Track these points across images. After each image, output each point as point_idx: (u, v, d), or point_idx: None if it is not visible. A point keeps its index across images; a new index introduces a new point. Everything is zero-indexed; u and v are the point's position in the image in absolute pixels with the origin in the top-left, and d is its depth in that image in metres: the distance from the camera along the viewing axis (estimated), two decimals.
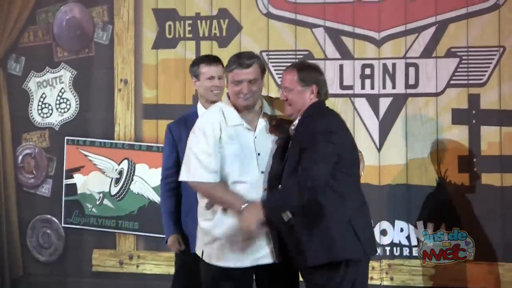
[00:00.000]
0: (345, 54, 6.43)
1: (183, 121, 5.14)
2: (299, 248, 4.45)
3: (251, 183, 4.57)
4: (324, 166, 4.38)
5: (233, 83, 4.59)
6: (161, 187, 5.23)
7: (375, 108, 6.37)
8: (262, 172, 4.60)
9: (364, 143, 6.35)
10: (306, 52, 6.47)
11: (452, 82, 6.29)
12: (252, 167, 4.59)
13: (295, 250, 4.49)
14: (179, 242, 5.10)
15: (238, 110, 4.63)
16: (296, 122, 4.58)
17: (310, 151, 4.38)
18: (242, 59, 4.62)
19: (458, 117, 6.29)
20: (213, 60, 5.15)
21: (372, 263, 6.31)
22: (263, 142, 4.63)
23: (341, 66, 6.43)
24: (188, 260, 5.06)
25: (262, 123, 4.65)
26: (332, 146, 4.40)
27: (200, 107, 5.13)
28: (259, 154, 4.61)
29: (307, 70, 4.61)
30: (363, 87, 6.40)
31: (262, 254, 4.63)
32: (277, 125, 4.68)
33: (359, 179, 4.60)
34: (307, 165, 4.36)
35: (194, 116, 5.03)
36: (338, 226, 4.42)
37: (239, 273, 4.64)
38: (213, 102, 4.97)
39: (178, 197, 5.12)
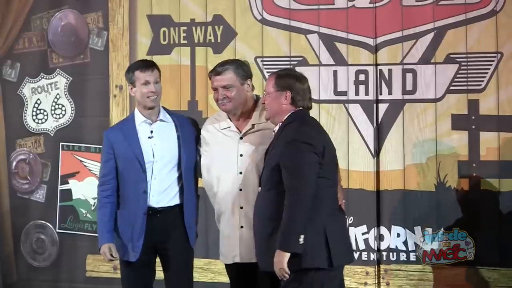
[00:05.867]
0: (339, 60, 6.41)
1: (119, 128, 5.13)
2: (271, 253, 4.49)
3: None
4: (312, 174, 4.43)
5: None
6: (97, 194, 5.13)
7: (369, 114, 6.34)
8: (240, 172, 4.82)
9: (358, 149, 6.35)
10: (300, 58, 6.46)
11: (451, 88, 6.26)
12: None
13: (268, 254, 4.52)
14: (111, 251, 4.99)
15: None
16: (276, 128, 4.64)
17: (295, 162, 4.43)
18: (217, 66, 4.86)
19: (458, 122, 6.27)
20: (148, 65, 5.04)
21: (367, 269, 6.34)
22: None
23: (335, 72, 6.41)
24: (133, 268, 5.07)
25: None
26: (314, 155, 4.45)
27: (137, 114, 5.06)
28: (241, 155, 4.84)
29: (284, 77, 4.66)
30: (357, 93, 6.38)
31: (236, 253, 4.85)
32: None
33: (336, 184, 4.64)
34: (297, 178, 4.41)
35: (131, 123, 5.06)
36: (311, 234, 4.43)
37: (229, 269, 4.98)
38: (150, 108, 5.01)
39: (114, 204, 5.04)
